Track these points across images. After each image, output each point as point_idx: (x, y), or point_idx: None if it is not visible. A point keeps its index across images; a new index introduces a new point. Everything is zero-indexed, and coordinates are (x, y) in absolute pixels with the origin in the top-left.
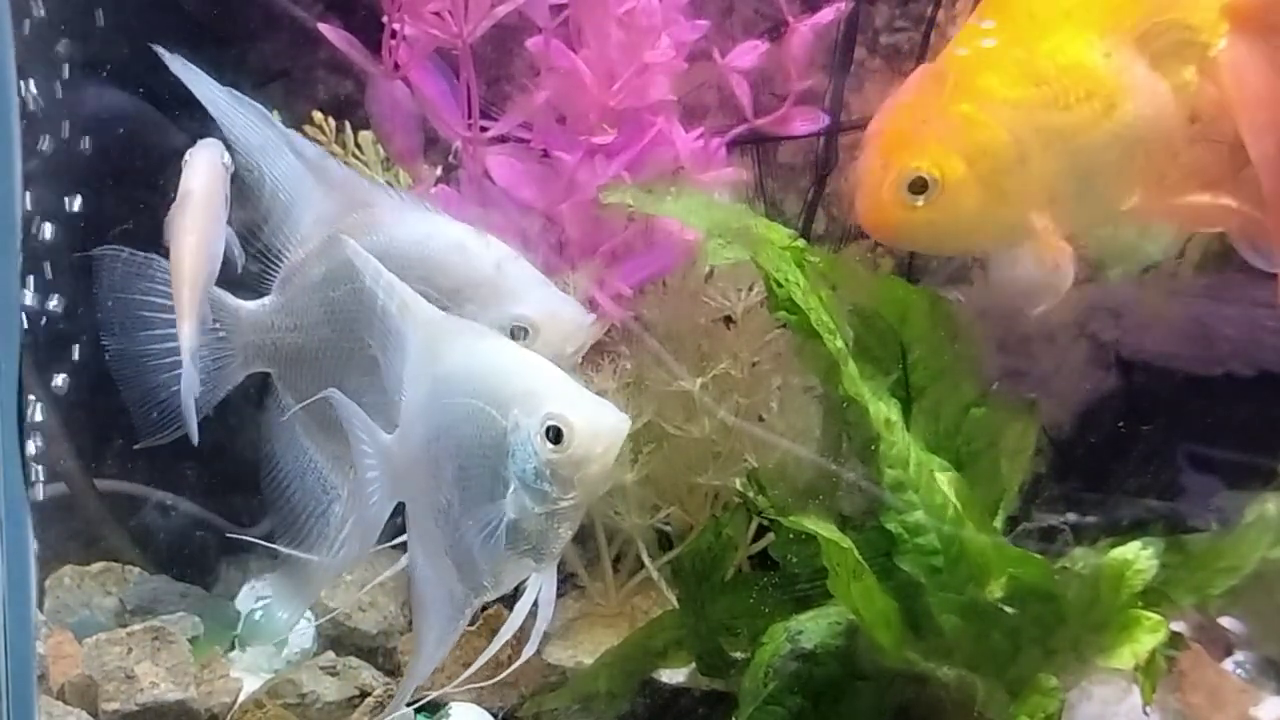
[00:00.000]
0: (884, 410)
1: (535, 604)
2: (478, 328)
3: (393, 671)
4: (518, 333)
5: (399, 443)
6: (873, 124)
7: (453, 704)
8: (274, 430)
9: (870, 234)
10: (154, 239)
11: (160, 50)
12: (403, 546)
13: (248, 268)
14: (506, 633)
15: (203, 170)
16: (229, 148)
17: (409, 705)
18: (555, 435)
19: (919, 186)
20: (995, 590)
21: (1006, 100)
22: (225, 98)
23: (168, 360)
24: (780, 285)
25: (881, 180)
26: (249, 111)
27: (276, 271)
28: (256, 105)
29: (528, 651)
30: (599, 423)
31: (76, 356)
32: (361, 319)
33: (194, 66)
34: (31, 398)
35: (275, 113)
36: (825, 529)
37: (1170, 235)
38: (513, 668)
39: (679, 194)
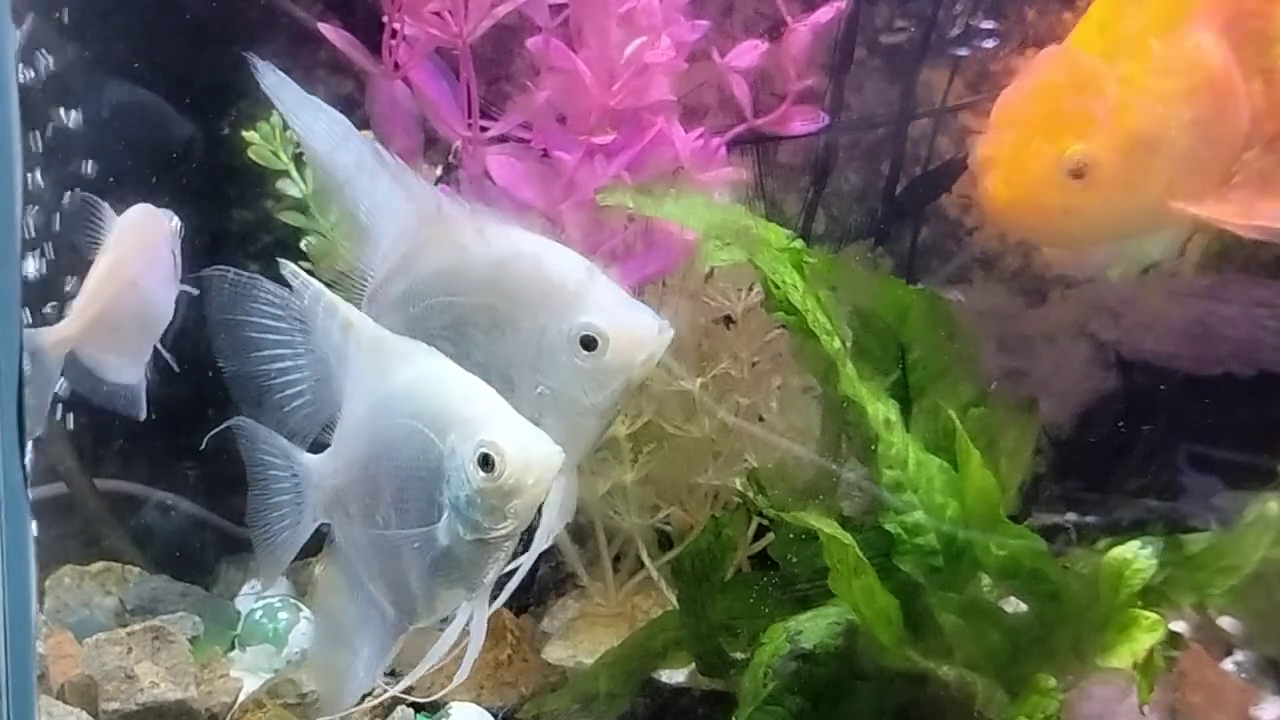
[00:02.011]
0: (883, 410)
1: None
2: (424, 349)
3: (392, 672)
4: (589, 342)
5: (331, 460)
6: (1003, 109)
7: (453, 704)
8: None
9: (1005, 221)
10: None
11: (252, 59)
12: None
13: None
14: (432, 658)
15: (126, 227)
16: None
17: (409, 705)
18: (487, 463)
19: (1079, 169)
20: (996, 551)
21: (1148, 88)
22: (310, 109)
23: (276, 381)
24: (777, 287)
25: (1036, 163)
26: (332, 123)
27: (361, 289)
28: (341, 117)
29: (459, 677)
30: (531, 453)
31: None
32: (436, 334)
33: (284, 76)
34: None
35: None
36: (826, 524)
37: (1171, 235)
38: (446, 690)
39: (678, 195)
